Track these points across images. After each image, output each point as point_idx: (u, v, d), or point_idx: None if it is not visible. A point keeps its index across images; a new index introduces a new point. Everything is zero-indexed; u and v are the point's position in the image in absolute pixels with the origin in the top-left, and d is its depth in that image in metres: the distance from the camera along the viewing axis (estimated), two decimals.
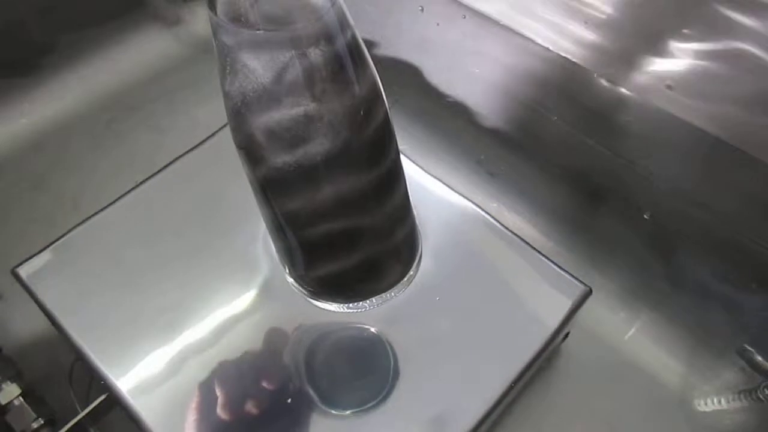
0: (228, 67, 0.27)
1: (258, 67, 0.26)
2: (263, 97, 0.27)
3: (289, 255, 0.38)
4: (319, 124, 0.28)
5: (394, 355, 0.41)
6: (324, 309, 0.41)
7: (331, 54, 0.27)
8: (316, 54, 0.26)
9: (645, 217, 0.51)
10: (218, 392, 0.39)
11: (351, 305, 0.40)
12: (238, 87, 0.27)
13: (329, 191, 0.31)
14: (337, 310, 0.40)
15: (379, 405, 0.39)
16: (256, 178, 0.32)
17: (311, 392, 0.40)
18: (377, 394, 0.39)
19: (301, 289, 0.41)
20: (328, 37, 0.26)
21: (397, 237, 0.37)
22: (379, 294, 0.40)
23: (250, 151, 0.30)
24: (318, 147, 0.28)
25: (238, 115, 0.28)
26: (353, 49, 0.28)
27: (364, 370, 0.41)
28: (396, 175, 0.34)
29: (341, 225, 0.33)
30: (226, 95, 0.28)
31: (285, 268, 0.41)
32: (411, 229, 0.39)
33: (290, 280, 0.41)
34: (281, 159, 0.29)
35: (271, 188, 0.32)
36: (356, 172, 0.31)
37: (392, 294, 0.41)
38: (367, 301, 0.40)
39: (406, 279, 0.41)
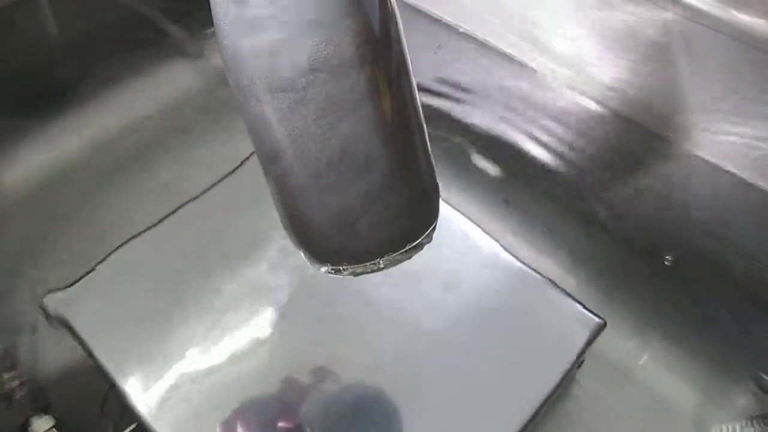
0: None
1: None
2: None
3: (290, 212, 0.35)
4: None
5: (411, 391, 0.41)
6: (333, 276, 0.37)
7: None
8: None
9: (666, 263, 0.52)
10: (242, 426, 0.40)
11: (361, 268, 0.36)
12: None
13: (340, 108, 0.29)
14: (346, 274, 0.37)
15: None
16: (254, 123, 0.31)
17: None
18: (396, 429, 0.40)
19: (309, 255, 0.37)
20: None
21: (412, 185, 0.35)
22: (389, 254, 0.36)
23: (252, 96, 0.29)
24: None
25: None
26: None
27: (378, 415, 0.41)
28: (412, 119, 0.33)
29: (352, 167, 0.31)
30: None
31: (291, 233, 0.37)
32: (428, 182, 0.36)
33: (295, 242, 0.37)
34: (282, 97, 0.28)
35: (271, 126, 0.30)
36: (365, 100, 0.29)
37: (403, 255, 0.37)
38: (378, 262, 0.36)
39: (418, 241, 0.37)
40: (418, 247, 0.36)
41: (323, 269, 0.36)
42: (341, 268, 0.35)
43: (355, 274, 0.36)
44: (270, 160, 0.32)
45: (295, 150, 0.30)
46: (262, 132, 0.31)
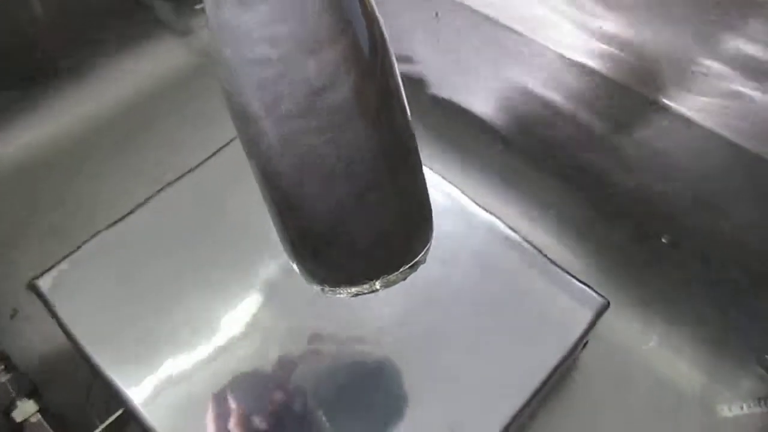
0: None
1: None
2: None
3: (288, 232, 0.36)
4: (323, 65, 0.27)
5: (411, 371, 0.41)
6: (330, 296, 0.38)
7: None
8: None
9: (663, 241, 0.51)
10: (232, 407, 0.39)
11: (357, 288, 0.37)
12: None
13: (336, 142, 0.29)
14: (343, 295, 0.38)
15: (398, 424, 0.39)
16: (249, 146, 0.31)
17: (325, 419, 0.39)
18: (395, 414, 0.39)
19: (304, 272, 0.38)
20: None
21: (406, 205, 0.35)
22: (385, 275, 0.37)
23: (246, 117, 0.29)
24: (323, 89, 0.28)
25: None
26: None
27: (380, 393, 0.41)
28: (405, 131, 0.33)
29: (348, 186, 0.31)
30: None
31: (289, 252, 0.38)
32: (422, 202, 0.37)
33: (295, 266, 0.39)
34: (276, 117, 0.28)
35: (272, 148, 0.30)
36: (363, 124, 0.30)
37: (398, 276, 0.37)
38: (373, 283, 0.37)
39: (414, 261, 0.38)
40: (414, 267, 0.36)
41: (319, 289, 0.37)
42: (337, 290, 0.36)
43: (352, 295, 0.36)
44: (267, 181, 0.32)
45: (293, 173, 0.31)
46: (259, 155, 0.31)
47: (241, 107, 0.29)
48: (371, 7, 0.29)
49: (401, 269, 0.36)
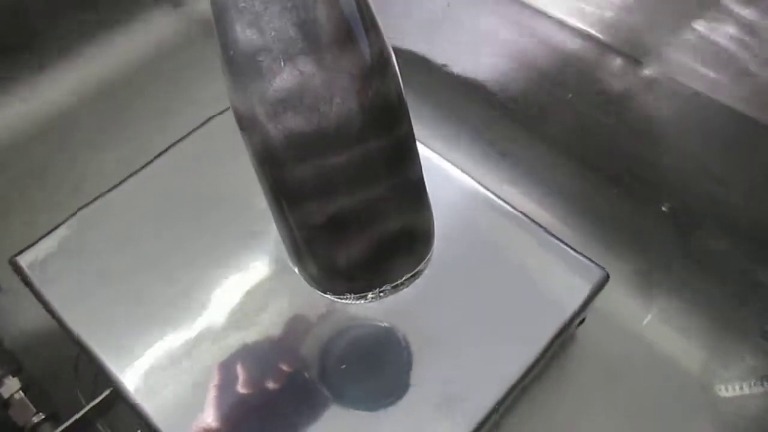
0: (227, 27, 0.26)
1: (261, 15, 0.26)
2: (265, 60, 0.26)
3: (294, 241, 0.36)
4: (322, 87, 0.27)
5: (409, 343, 0.41)
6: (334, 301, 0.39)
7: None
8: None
9: (663, 209, 0.50)
10: (224, 385, 0.38)
11: (360, 296, 0.39)
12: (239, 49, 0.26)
13: (337, 162, 0.30)
14: (347, 302, 0.39)
15: (396, 394, 0.39)
16: (257, 155, 0.31)
17: (325, 390, 0.39)
18: (393, 384, 0.39)
19: (309, 279, 0.39)
20: None
21: (410, 219, 0.36)
22: (389, 284, 0.38)
23: (253, 124, 0.29)
24: (323, 109, 0.28)
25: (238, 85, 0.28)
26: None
27: (380, 364, 0.41)
28: (408, 146, 0.33)
29: (350, 202, 0.32)
30: (227, 60, 0.27)
31: (292, 256, 0.39)
32: (424, 214, 0.38)
33: (296, 269, 0.40)
34: (283, 127, 0.28)
35: (274, 166, 0.31)
36: (365, 140, 0.30)
37: (402, 284, 0.39)
38: (377, 291, 0.38)
39: (416, 271, 0.39)
40: (416, 276, 0.37)
41: (326, 296, 0.37)
42: (342, 298, 0.37)
43: (356, 303, 0.37)
44: (276, 202, 0.33)
45: (301, 194, 0.31)
46: (269, 179, 0.32)
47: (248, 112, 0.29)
48: None
49: (404, 278, 0.37)
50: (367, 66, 0.28)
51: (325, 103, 0.27)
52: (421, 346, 0.40)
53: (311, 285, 0.37)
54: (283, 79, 0.27)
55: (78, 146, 0.59)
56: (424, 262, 0.38)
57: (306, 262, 0.37)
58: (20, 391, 0.40)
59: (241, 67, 0.27)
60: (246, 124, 0.29)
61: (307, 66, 0.26)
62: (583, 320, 0.45)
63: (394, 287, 0.37)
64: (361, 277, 0.37)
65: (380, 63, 0.29)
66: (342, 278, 0.37)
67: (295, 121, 0.28)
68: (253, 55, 0.27)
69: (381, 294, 0.37)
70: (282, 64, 0.26)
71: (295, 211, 0.33)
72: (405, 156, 0.33)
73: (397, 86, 0.31)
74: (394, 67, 0.30)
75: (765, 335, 0.47)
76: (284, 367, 0.39)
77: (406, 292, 0.41)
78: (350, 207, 0.32)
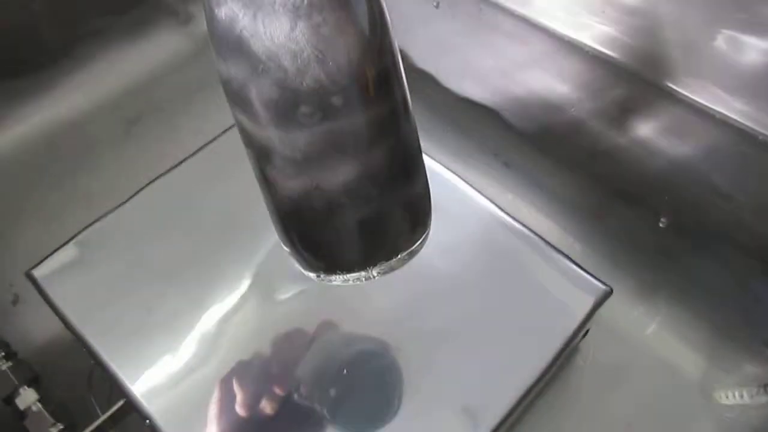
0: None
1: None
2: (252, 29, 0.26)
3: (282, 217, 0.35)
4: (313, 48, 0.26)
5: (414, 358, 0.41)
6: (328, 284, 0.37)
7: None
8: None
9: (660, 225, 0.51)
10: (232, 396, 0.39)
11: (353, 275, 0.36)
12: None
13: (327, 128, 0.29)
14: (340, 283, 0.36)
15: (401, 408, 0.39)
16: (248, 125, 0.30)
17: (331, 398, 0.40)
18: (397, 398, 0.39)
19: (302, 262, 0.37)
20: None
21: (404, 190, 0.34)
22: (382, 262, 0.36)
23: (242, 94, 0.28)
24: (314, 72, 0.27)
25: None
26: None
27: (383, 376, 0.41)
28: (401, 116, 0.32)
29: (339, 173, 0.31)
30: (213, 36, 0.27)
31: (281, 234, 0.37)
32: (420, 190, 0.36)
33: (289, 253, 0.37)
34: (269, 89, 0.27)
35: (261, 133, 0.30)
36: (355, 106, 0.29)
37: (396, 263, 0.36)
38: (370, 270, 0.36)
39: (411, 249, 0.37)
40: (411, 255, 0.35)
41: (314, 276, 0.35)
42: (333, 277, 0.35)
43: (347, 283, 0.35)
44: (264, 173, 0.32)
45: (290, 163, 0.30)
46: (257, 148, 0.30)
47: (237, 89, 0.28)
48: None
49: (398, 256, 0.35)
50: (360, 26, 0.27)
51: (315, 63, 0.27)
52: (428, 360, 0.41)
53: (301, 266, 0.36)
54: (269, 36, 0.26)
55: (89, 160, 0.60)
56: (419, 242, 0.36)
57: (294, 240, 0.35)
58: (37, 402, 0.41)
59: (223, 32, 0.27)
60: (234, 96, 0.29)
61: (288, 24, 0.26)
62: (587, 332, 0.46)
63: (387, 267, 0.35)
64: (354, 254, 0.35)
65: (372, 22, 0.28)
66: (333, 256, 0.35)
67: (277, 83, 0.27)
68: (234, 18, 0.26)
69: (373, 273, 0.35)
70: (263, 24, 0.26)
71: (282, 183, 0.32)
72: (396, 125, 0.31)
73: (392, 51, 0.30)
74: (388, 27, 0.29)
75: (767, 344, 0.47)
76: (289, 382, 0.40)
77: (411, 305, 0.42)
78: (339, 178, 0.31)
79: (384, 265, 0.35)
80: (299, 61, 0.26)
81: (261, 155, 0.31)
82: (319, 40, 0.26)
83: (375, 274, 0.35)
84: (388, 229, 0.34)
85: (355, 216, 0.32)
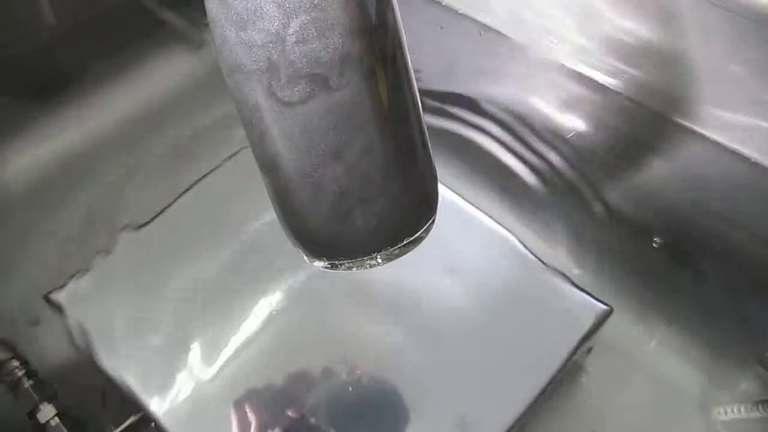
0: None
1: None
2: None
3: (285, 202, 0.34)
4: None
5: (417, 376, 0.42)
6: (330, 271, 0.36)
7: None
8: None
9: (654, 245, 0.52)
10: (247, 417, 0.40)
11: (357, 262, 0.35)
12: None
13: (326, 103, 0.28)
14: (343, 271, 0.36)
15: (405, 427, 0.40)
16: (250, 110, 0.30)
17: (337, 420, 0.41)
18: (401, 418, 0.40)
19: (305, 249, 0.36)
20: None
21: (410, 176, 0.33)
22: (387, 248, 0.35)
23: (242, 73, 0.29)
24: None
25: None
26: None
27: (386, 396, 0.42)
28: (406, 95, 0.31)
29: (339, 151, 0.30)
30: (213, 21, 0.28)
31: (286, 226, 0.36)
32: (426, 175, 0.35)
33: (293, 240, 0.36)
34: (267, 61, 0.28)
35: (268, 112, 0.29)
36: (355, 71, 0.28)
37: (401, 250, 0.35)
38: (374, 257, 0.35)
39: (416, 236, 0.36)
40: (416, 242, 0.35)
41: (319, 264, 0.35)
42: (337, 263, 0.35)
43: (352, 270, 0.35)
44: (265, 156, 0.31)
45: (291, 145, 0.30)
46: (258, 132, 0.30)
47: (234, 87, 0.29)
48: None
49: (403, 243, 0.35)
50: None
51: (316, 35, 0.27)
52: (430, 379, 0.42)
53: (305, 253, 0.36)
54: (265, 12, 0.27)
55: (104, 184, 0.61)
56: (424, 229, 0.35)
57: (298, 227, 0.34)
58: (56, 417, 0.42)
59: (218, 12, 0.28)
60: (232, 74, 0.29)
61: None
62: (591, 349, 0.47)
63: (390, 253, 0.35)
64: (359, 240, 0.34)
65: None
66: (337, 242, 0.34)
67: (279, 54, 0.27)
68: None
69: (378, 260, 0.35)
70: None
71: (284, 166, 0.31)
72: (401, 106, 0.31)
73: (399, 40, 0.30)
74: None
75: (762, 362, 0.48)
76: (302, 403, 0.41)
77: (417, 326, 0.42)
78: (341, 158, 0.30)
79: (388, 252, 0.34)
80: (301, 30, 0.26)
81: (262, 138, 0.30)
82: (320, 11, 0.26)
83: (380, 261, 0.34)
84: (394, 216, 0.33)
85: (358, 203, 0.32)
